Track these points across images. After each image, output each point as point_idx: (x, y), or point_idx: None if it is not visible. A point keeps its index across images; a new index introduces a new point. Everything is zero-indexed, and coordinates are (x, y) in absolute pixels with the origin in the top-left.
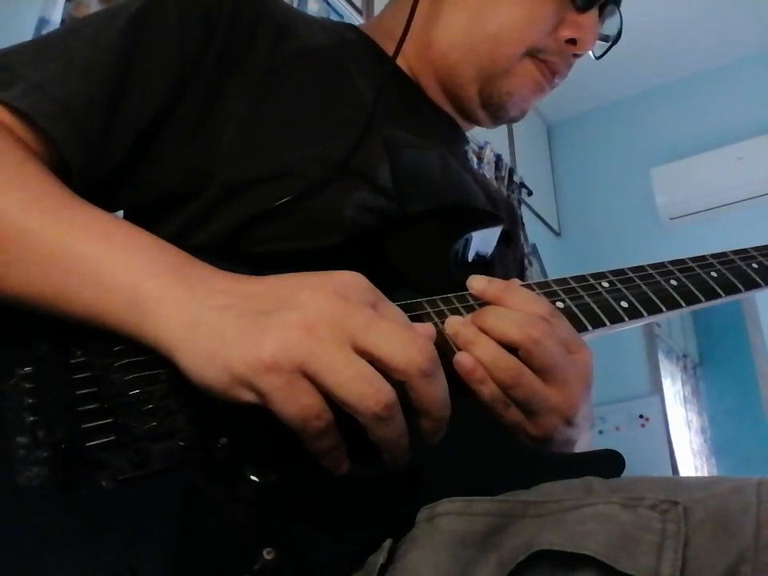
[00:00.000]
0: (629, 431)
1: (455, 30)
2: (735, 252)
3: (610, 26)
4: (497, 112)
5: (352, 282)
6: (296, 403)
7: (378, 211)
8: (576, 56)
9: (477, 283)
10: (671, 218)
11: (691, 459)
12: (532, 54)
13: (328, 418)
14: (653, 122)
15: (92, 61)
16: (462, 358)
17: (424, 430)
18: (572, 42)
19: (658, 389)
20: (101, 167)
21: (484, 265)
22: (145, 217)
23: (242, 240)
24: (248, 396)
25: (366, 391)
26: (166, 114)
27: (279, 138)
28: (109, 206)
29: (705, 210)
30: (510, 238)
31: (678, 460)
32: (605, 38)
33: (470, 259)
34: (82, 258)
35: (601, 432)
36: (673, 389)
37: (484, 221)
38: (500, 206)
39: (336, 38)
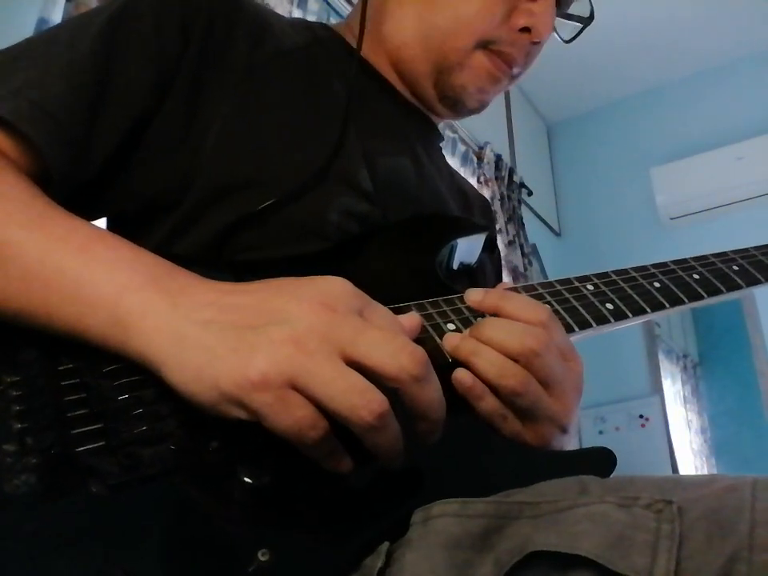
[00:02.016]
0: (629, 431)
1: (405, 24)
2: (716, 255)
3: (580, 8)
4: (454, 105)
5: (338, 289)
6: (289, 417)
7: (362, 217)
8: (535, 44)
9: (474, 296)
10: (671, 218)
11: (691, 459)
12: (484, 45)
13: (323, 426)
14: (653, 121)
15: (70, 65)
16: (460, 375)
17: (420, 432)
18: (526, 30)
19: (658, 389)
20: (83, 171)
21: (469, 272)
22: (129, 224)
23: (226, 247)
24: (238, 413)
25: (359, 402)
26: (148, 116)
27: (263, 142)
28: (92, 214)
29: (705, 210)
30: (494, 245)
31: (677, 460)
32: (578, 20)
33: (455, 266)
34: (61, 271)
35: (601, 432)
36: (673, 389)
37: (471, 228)
38: (475, 205)
39: (309, 37)
